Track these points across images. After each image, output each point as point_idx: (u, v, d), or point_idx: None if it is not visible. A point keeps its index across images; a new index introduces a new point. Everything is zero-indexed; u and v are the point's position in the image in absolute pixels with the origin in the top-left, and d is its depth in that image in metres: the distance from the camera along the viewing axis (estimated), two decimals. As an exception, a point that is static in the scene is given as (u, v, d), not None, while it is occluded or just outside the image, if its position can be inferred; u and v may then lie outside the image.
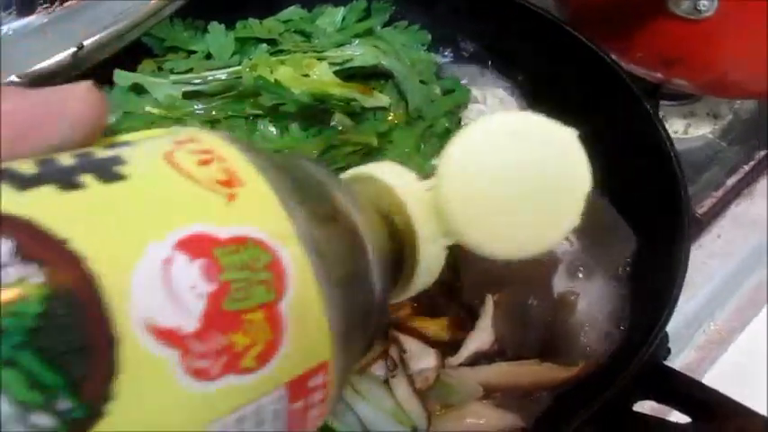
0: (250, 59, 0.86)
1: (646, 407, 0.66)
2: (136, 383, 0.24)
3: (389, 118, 0.90)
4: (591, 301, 0.79)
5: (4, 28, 0.75)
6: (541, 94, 0.99)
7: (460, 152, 0.40)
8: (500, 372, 0.73)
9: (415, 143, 0.89)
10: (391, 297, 0.44)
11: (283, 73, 0.84)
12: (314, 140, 0.81)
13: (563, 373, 0.73)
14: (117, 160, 0.28)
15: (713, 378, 0.90)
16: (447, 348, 0.74)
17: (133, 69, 0.88)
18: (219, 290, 0.26)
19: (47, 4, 0.97)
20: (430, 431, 0.70)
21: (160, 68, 0.88)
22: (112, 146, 0.30)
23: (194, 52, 0.90)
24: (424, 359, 0.72)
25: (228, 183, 0.29)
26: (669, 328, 0.72)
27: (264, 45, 0.90)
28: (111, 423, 0.23)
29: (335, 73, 0.87)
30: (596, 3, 0.97)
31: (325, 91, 0.83)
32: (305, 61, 0.86)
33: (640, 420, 0.63)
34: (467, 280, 0.76)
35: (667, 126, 1.14)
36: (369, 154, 0.86)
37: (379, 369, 0.74)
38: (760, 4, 0.83)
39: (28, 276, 0.23)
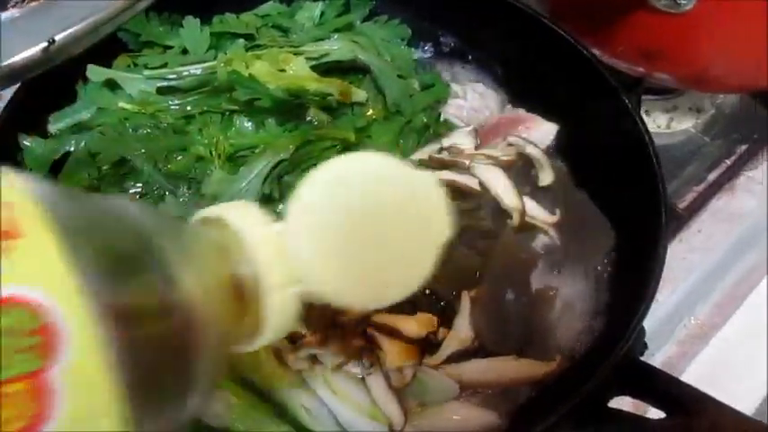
0: (225, 54, 0.85)
1: (622, 403, 0.65)
2: None
3: (368, 113, 0.90)
4: (569, 297, 0.79)
5: (-27, 23, 0.74)
6: (521, 88, 0.98)
7: (310, 192, 0.38)
8: (478, 368, 0.72)
9: (393, 138, 0.88)
10: (241, 347, 0.41)
11: (259, 68, 0.83)
12: (290, 136, 0.81)
13: (541, 369, 0.72)
14: None
15: (694, 373, 0.90)
16: (425, 346, 0.73)
17: (109, 65, 0.87)
18: None
19: (19, 0, 0.96)
20: (407, 429, 0.70)
21: (135, 64, 0.87)
22: None
23: (171, 47, 0.89)
24: (400, 357, 0.71)
25: (7, 234, 0.26)
26: (650, 322, 0.72)
27: (241, 40, 0.89)
28: None
29: (312, 68, 0.86)
30: (577, -3, 0.97)
31: (301, 86, 0.82)
32: (281, 56, 0.85)
33: (616, 416, 0.63)
34: (442, 276, 0.75)
35: (650, 120, 1.15)
36: (347, 149, 0.86)
37: (355, 367, 0.73)
38: (739, -2, 0.83)
39: None
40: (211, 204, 0.75)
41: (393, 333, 0.73)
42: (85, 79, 0.84)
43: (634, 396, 0.64)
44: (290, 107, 0.81)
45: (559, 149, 0.93)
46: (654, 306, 0.69)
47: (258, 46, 0.88)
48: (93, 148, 0.80)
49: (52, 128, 0.83)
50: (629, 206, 0.81)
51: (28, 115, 0.81)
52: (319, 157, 0.82)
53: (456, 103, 0.96)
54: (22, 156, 0.80)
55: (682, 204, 0.99)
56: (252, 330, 0.40)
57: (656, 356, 0.90)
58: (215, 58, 0.85)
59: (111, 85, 0.84)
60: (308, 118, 0.82)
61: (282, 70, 0.84)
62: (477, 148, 0.91)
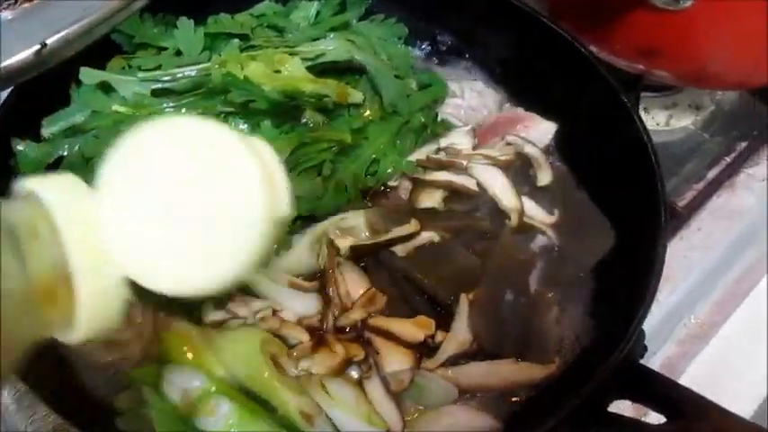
0: (220, 56, 0.84)
1: (621, 407, 0.65)
2: None
3: (365, 114, 0.89)
4: (567, 298, 0.78)
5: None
6: (519, 86, 0.98)
7: (125, 156, 0.36)
8: (476, 372, 0.72)
9: (390, 139, 0.87)
10: (60, 336, 0.38)
11: (254, 69, 0.82)
12: (286, 138, 0.80)
13: (540, 372, 0.72)
14: None
15: (695, 372, 0.89)
16: (423, 349, 0.73)
17: (103, 67, 0.86)
18: None
19: (11, 2, 0.95)
20: (405, 433, 0.69)
21: (130, 66, 0.86)
22: None
23: (165, 49, 0.88)
24: (398, 361, 0.71)
25: None
26: (649, 322, 0.72)
27: (236, 40, 0.88)
28: None
29: (308, 68, 0.85)
30: (575, -6, 0.96)
31: (297, 87, 0.81)
32: (276, 56, 0.84)
33: (616, 421, 0.62)
34: (438, 278, 0.75)
35: (649, 118, 1.14)
36: (343, 150, 0.85)
37: (353, 371, 0.73)
38: (738, -6, 0.82)
39: None
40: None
41: (390, 337, 0.73)
42: (79, 82, 0.83)
43: (634, 400, 0.64)
44: (286, 109, 0.80)
45: (558, 148, 0.92)
46: (654, 305, 0.68)
47: (253, 46, 0.87)
48: (86, 152, 0.80)
49: (45, 132, 0.82)
50: (627, 205, 0.80)
51: (21, 119, 0.81)
52: (316, 158, 0.82)
53: (454, 103, 0.96)
54: (14, 160, 0.79)
55: (681, 202, 0.99)
56: (67, 317, 0.37)
57: (657, 356, 0.89)
58: (210, 60, 0.84)
59: (105, 88, 0.83)
60: (304, 120, 0.81)
61: (278, 71, 0.83)
62: (474, 147, 0.90)
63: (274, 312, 0.75)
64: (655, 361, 0.89)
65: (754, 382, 0.89)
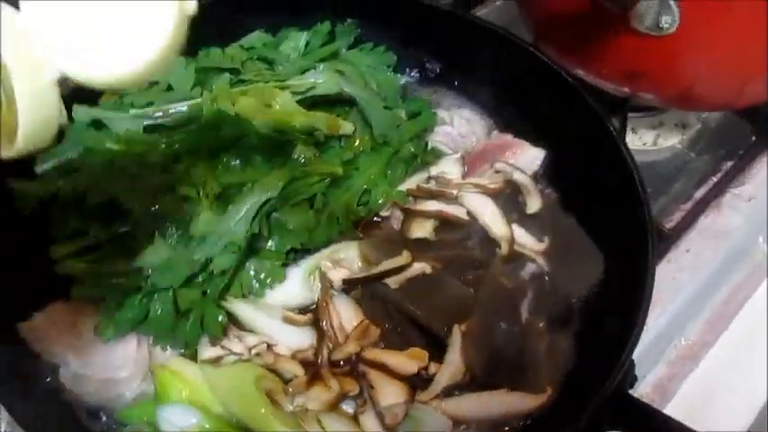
0: (211, 90, 0.85)
1: (612, 437, 0.66)
2: None
3: (356, 144, 0.90)
4: (558, 326, 0.79)
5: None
6: (507, 113, 0.99)
7: None
8: (470, 403, 0.73)
9: (381, 169, 0.88)
10: (4, 152, 0.43)
11: (245, 104, 0.83)
12: (278, 173, 0.81)
13: (533, 401, 0.73)
14: None
15: (686, 393, 0.90)
16: (416, 381, 0.74)
17: (95, 103, 0.87)
18: None
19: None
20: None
21: (122, 102, 0.87)
22: None
23: (156, 83, 0.89)
24: (392, 394, 0.72)
25: None
26: (640, 345, 0.72)
27: (227, 74, 0.89)
28: None
29: (299, 101, 0.86)
30: (562, 20, 0.97)
31: (288, 121, 0.82)
32: (267, 91, 0.85)
33: (607, 452, 0.63)
34: (430, 309, 0.76)
35: (636, 138, 1.16)
36: (335, 181, 0.86)
37: (348, 405, 0.73)
38: (720, 21, 0.84)
39: None
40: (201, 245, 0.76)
41: (384, 369, 0.73)
42: (72, 118, 0.84)
43: (624, 431, 0.64)
44: (278, 143, 0.81)
45: (546, 174, 0.93)
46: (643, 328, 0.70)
47: (244, 81, 0.88)
48: (80, 189, 0.80)
49: (39, 169, 0.82)
50: (616, 233, 0.81)
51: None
52: (308, 191, 0.83)
53: (443, 131, 0.97)
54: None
55: (669, 224, 1.00)
56: (9, 130, 0.41)
57: (648, 378, 0.90)
58: (201, 95, 0.85)
59: (98, 125, 0.84)
60: (295, 155, 0.82)
61: (269, 105, 0.84)
62: (464, 175, 0.91)
63: (269, 347, 0.75)
64: (646, 383, 0.90)
65: (744, 402, 0.90)
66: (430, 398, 0.72)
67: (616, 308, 0.75)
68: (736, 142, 1.13)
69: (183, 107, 0.84)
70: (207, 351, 0.74)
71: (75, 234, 0.79)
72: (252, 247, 0.80)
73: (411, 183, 0.90)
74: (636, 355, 0.74)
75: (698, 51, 0.88)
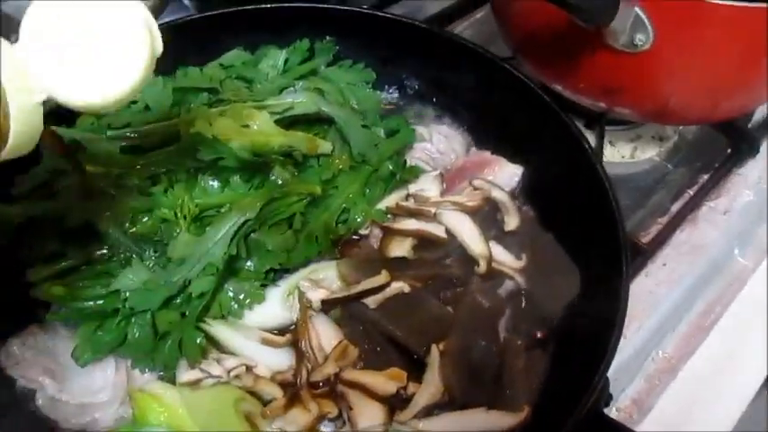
0: (189, 109, 0.85)
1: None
2: None
3: (337, 162, 0.90)
4: (535, 344, 0.80)
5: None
6: (486, 130, 1.00)
7: (38, 12, 0.49)
8: (449, 423, 0.73)
9: (359, 188, 0.89)
10: None
11: (223, 125, 0.83)
12: (256, 194, 0.81)
13: (511, 420, 0.73)
14: None
15: (664, 406, 0.91)
16: (395, 401, 0.74)
17: (73, 122, 0.86)
18: None
19: None
20: (379, 487, 0.70)
21: (99, 122, 0.87)
22: None
23: (134, 102, 0.89)
24: (371, 415, 0.72)
25: None
26: (617, 359, 0.72)
27: (205, 95, 0.90)
28: None
29: (277, 121, 0.87)
30: (539, 37, 0.98)
31: (267, 142, 0.83)
32: (245, 111, 0.85)
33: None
34: (409, 329, 0.77)
35: (614, 151, 1.17)
36: (314, 201, 0.86)
37: (327, 427, 0.74)
38: (694, 38, 0.85)
39: None
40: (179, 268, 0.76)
41: (363, 390, 0.74)
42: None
43: (599, 451, 0.65)
44: (256, 165, 0.81)
45: (524, 191, 0.94)
46: (621, 342, 0.70)
47: (222, 100, 0.88)
48: (57, 212, 0.80)
49: (16, 191, 0.82)
50: (592, 250, 0.82)
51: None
52: (287, 211, 0.83)
53: (422, 147, 0.97)
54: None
55: (646, 238, 1.01)
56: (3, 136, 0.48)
57: (626, 392, 0.91)
58: (179, 115, 0.85)
59: (75, 146, 0.83)
60: (273, 176, 0.82)
61: (247, 126, 0.84)
62: (443, 193, 0.92)
63: (248, 369, 0.75)
64: (625, 396, 0.91)
65: (723, 414, 0.91)
66: (408, 418, 0.72)
67: (592, 325, 0.76)
68: (713, 155, 1.15)
69: (160, 127, 0.84)
70: (186, 374, 0.74)
71: (51, 257, 0.78)
72: (231, 268, 0.80)
73: (390, 201, 0.90)
74: (614, 368, 0.75)
75: (673, 68, 0.89)
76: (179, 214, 0.78)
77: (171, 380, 0.76)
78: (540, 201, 0.92)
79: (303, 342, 0.77)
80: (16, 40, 0.51)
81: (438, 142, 0.98)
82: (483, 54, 0.94)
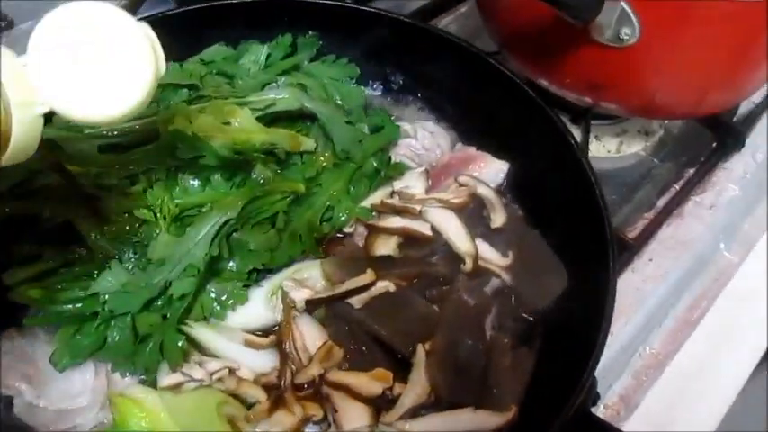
0: (168, 108, 0.83)
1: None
2: None
3: (320, 159, 0.89)
4: (521, 342, 0.79)
5: None
6: (471, 125, 0.99)
7: (46, 28, 0.50)
8: (436, 423, 0.72)
9: (343, 185, 0.87)
10: None
11: (203, 122, 0.81)
12: (237, 192, 0.79)
13: (498, 419, 0.72)
14: None
15: (651, 402, 0.91)
16: (381, 402, 0.73)
17: (49, 121, 0.84)
18: None
19: None
20: (366, 489, 0.69)
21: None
22: None
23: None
24: (356, 417, 0.71)
25: None
26: (604, 356, 0.72)
27: (184, 91, 0.88)
28: None
29: (258, 118, 0.85)
30: (524, 32, 0.97)
31: (248, 139, 0.81)
32: (226, 108, 0.83)
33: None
34: (394, 329, 0.76)
35: (600, 146, 1.16)
36: (297, 199, 0.85)
37: (312, 429, 0.73)
38: (680, 32, 0.84)
39: None
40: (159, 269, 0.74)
41: (348, 391, 0.73)
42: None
43: (587, 451, 0.65)
44: (237, 163, 0.80)
45: (510, 187, 0.93)
46: (608, 339, 0.70)
47: (202, 97, 0.86)
48: (35, 212, 0.78)
49: (-9, 191, 0.80)
50: (578, 247, 0.82)
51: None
52: (269, 210, 0.81)
53: (407, 143, 0.96)
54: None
55: (632, 233, 1.01)
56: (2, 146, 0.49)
57: (613, 389, 0.90)
58: (158, 112, 0.83)
59: (52, 145, 0.81)
60: (254, 175, 0.81)
61: (227, 123, 0.82)
62: (428, 189, 0.91)
63: (231, 371, 0.74)
64: (612, 393, 0.90)
65: (709, 409, 0.91)
66: (395, 419, 0.71)
67: (579, 322, 0.75)
68: (698, 149, 1.15)
69: (138, 125, 0.82)
70: (167, 378, 0.73)
71: (27, 259, 0.76)
72: (212, 269, 0.78)
73: (375, 198, 0.89)
74: (601, 365, 0.74)
75: (659, 62, 0.88)
76: (159, 214, 0.76)
77: (152, 384, 0.74)
78: (526, 197, 0.92)
79: (287, 343, 0.76)
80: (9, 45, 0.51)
81: (423, 138, 0.97)
82: (468, 49, 0.93)
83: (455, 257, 0.83)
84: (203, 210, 0.78)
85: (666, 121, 1.18)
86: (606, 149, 1.16)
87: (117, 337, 0.74)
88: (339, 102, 0.96)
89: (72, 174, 0.78)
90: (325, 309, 0.80)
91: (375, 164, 0.89)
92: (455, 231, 0.85)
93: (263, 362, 0.76)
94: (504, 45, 1.05)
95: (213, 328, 0.77)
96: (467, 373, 0.76)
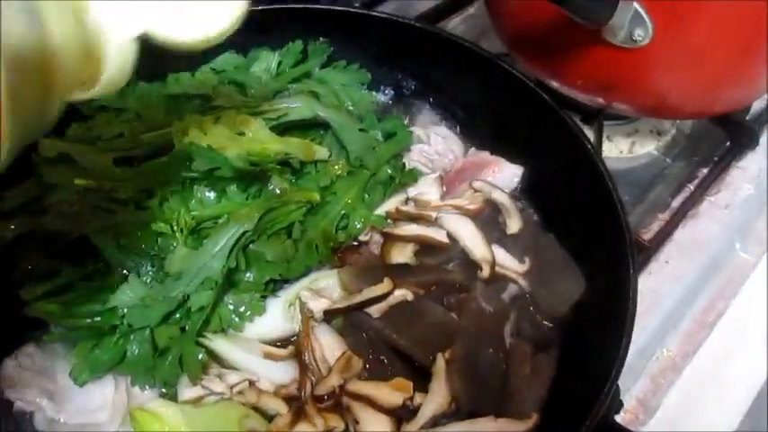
0: (181, 119, 0.83)
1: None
2: None
3: (335, 168, 0.88)
4: (541, 349, 0.79)
5: None
6: (484, 130, 0.98)
7: None
8: (457, 432, 0.72)
9: (358, 193, 0.87)
10: (83, 92, 0.49)
11: (217, 133, 0.81)
12: (254, 204, 0.79)
13: (519, 428, 0.72)
14: None
15: (670, 404, 0.91)
16: (402, 412, 0.73)
17: (62, 134, 0.84)
18: None
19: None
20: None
21: (90, 132, 0.84)
22: None
23: (125, 110, 0.87)
24: (377, 428, 0.71)
25: None
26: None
27: (197, 101, 0.87)
28: None
29: (272, 128, 0.85)
30: (534, 33, 0.97)
31: (263, 149, 0.81)
32: (239, 118, 0.83)
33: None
34: (413, 338, 0.75)
35: (612, 146, 1.16)
36: (312, 208, 0.85)
37: (333, 442, 0.72)
38: (693, 32, 0.84)
39: None
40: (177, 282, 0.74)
41: (369, 402, 0.72)
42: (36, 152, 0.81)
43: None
44: (253, 173, 0.79)
45: (524, 191, 0.93)
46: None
47: (214, 107, 0.86)
48: (50, 228, 0.78)
49: (7, 206, 0.80)
50: (596, 251, 0.81)
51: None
52: (285, 220, 0.81)
53: (420, 149, 0.96)
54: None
55: (647, 235, 1.00)
56: (94, 75, 0.49)
57: (631, 392, 0.90)
58: (172, 124, 0.83)
59: (65, 159, 0.81)
60: (271, 186, 0.81)
61: (241, 133, 0.82)
62: (443, 195, 0.90)
63: (251, 384, 0.74)
64: (630, 396, 0.90)
65: (728, 410, 0.90)
66: (416, 429, 0.71)
67: (599, 328, 0.75)
68: (711, 148, 1.14)
69: (152, 137, 0.82)
70: (187, 391, 0.73)
71: (44, 275, 0.76)
72: (230, 280, 0.78)
73: (389, 205, 0.88)
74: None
75: (672, 62, 0.88)
76: (175, 227, 0.76)
77: (172, 397, 0.74)
78: (541, 201, 0.91)
79: (306, 354, 0.76)
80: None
81: (436, 143, 0.96)
82: (479, 52, 0.92)
83: (472, 264, 0.83)
84: (220, 221, 0.78)
85: (678, 121, 1.18)
86: (618, 150, 1.15)
87: (136, 351, 0.74)
88: (351, 108, 0.96)
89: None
90: (343, 318, 0.80)
91: (389, 171, 0.89)
92: (471, 238, 0.84)
93: (282, 373, 0.76)
94: (514, 46, 1.04)
95: (231, 339, 0.77)
96: (487, 381, 0.75)
